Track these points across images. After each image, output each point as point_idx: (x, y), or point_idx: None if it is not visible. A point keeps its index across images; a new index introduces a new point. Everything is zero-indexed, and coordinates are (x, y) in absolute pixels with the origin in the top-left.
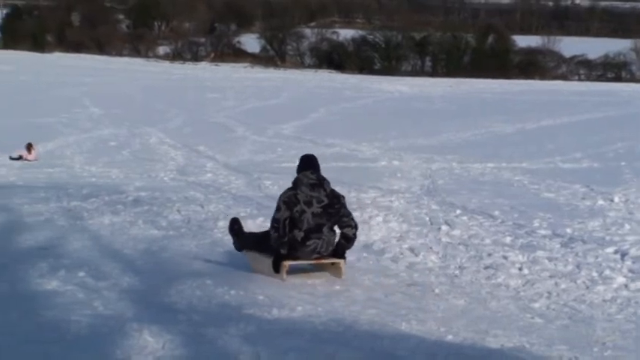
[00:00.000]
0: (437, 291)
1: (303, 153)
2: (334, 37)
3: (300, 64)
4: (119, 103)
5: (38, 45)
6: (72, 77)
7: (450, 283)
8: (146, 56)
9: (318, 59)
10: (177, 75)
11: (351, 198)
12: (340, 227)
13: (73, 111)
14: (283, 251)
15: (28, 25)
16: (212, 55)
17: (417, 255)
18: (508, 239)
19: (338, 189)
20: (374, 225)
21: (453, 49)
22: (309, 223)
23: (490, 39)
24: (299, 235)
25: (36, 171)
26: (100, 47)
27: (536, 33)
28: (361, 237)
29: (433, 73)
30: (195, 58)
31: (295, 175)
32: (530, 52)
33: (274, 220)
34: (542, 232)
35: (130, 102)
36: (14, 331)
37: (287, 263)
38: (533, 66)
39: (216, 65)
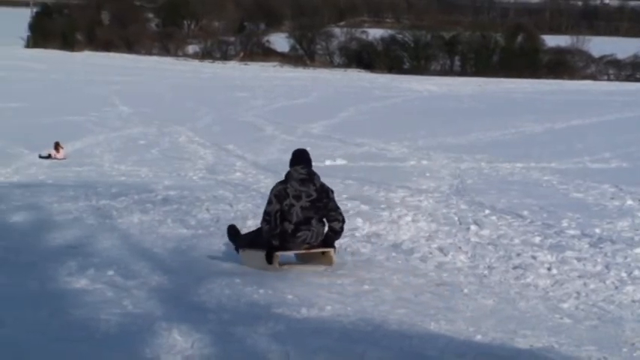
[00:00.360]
0: (466, 291)
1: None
2: (363, 36)
3: (330, 64)
4: (148, 102)
5: (68, 44)
6: (101, 76)
7: (479, 283)
8: (175, 55)
9: (347, 58)
10: (206, 74)
11: (379, 197)
12: (328, 221)
13: (102, 110)
14: (275, 242)
15: (57, 24)
16: (241, 54)
17: (445, 255)
18: (537, 239)
19: (366, 188)
20: (403, 224)
21: (482, 48)
22: (298, 216)
23: (519, 38)
24: (289, 227)
25: (65, 169)
26: (130, 46)
27: (565, 33)
28: (390, 236)
29: (462, 73)
30: (225, 57)
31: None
32: (559, 51)
33: (266, 213)
34: (571, 232)
35: (160, 101)
36: (44, 330)
37: (278, 254)
38: (562, 66)
39: (246, 64)
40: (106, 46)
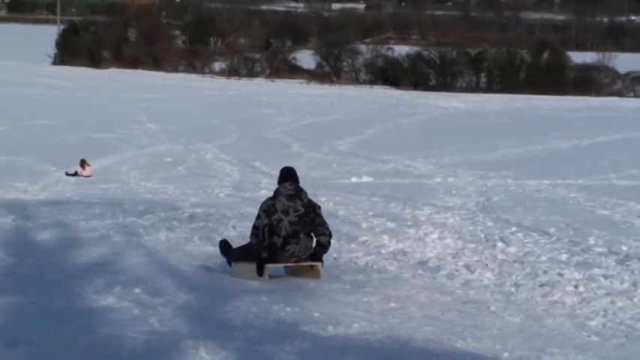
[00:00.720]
0: (492, 308)
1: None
2: (389, 53)
3: (355, 80)
4: (175, 119)
5: (95, 61)
6: (128, 93)
7: (506, 300)
8: (202, 72)
9: (373, 75)
10: (232, 91)
11: (406, 214)
12: (316, 235)
13: (129, 127)
14: (265, 255)
15: (84, 41)
16: (267, 71)
17: (472, 272)
18: (564, 257)
19: (392, 205)
20: (429, 242)
21: (508, 65)
22: (286, 230)
23: (545, 55)
24: (278, 241)
25: (92, 187)
26: (156, 63)
27: (591, 49)
28: (416, 254)
29: (488, 89)
30: (251, 74)
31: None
32: (585, 68)
33: (254, 227)
34: (598, 249)
35: (186, 118)
36: (70, 348)
37: (269, 266)
38: (588, 82)
39: (272, 81)
40: (133, 64)
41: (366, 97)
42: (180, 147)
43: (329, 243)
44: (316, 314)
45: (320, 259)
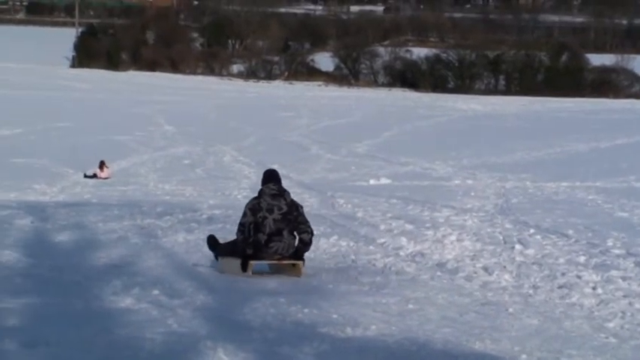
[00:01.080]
0: (511, 310)
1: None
2: (408, 55)
3: (374, 83)
4: (193, 121)
5: (113, 63)
6: (146, 95)
7: (524, 302)
8: (220, 75)
9: (391, 78)
10: (251, 93)
11: (424, 216)
12: (298, 233)
13: (147, 129)
14: (250, 251)
15: (103, 44)
16: (286, 73)
17: (490, 274)
18: (582, 259)
19: (411, 207)
20: (447, 244)
21: (526, 67)
22: (270, 228)
23: (564, 57)
24: (262, 238)
25: (110, 189)
26: (175, 66)
27: (610, 51)
28: (434, 256)
29: (507, 92)
30: (269, 76)
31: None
32: (604, 70)
33: (240, 225)
34: (616, 251)
35: (204, 120)
36: (89, 349)
37: (252, 263)
38: (607, 84)
39: (290, 84)
40: (151, 66)
41: (384, 99)
42: (199, 149)
43: (311, 241)
44: (334, 316)
45: (302, 258)
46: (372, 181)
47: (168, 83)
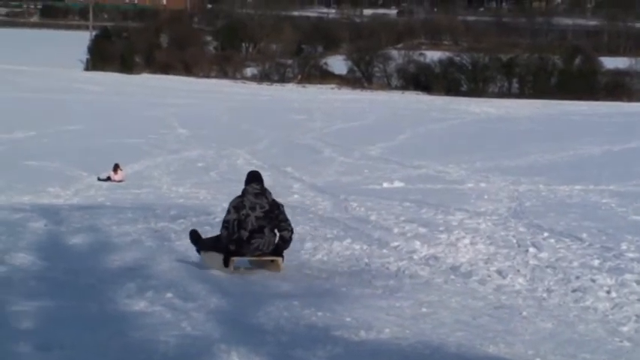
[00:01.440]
0: (524, 314)
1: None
2: (421, 58)
3: (387, 86)
4: (207, 125)
5: (127, 66)
6: (160, 98)
7: (538, 306)
8: (233, 78)
9: (404, 81)
10: (264, 96)
11: (437, 220)
12: (279, 230)
13: (160, 132)
14: (232, 248)
15: (116, 47)
16: (299, 76)
17: (504, 277)
18: (596, 262)
19: (424, 210)
20: (461, 247)
21: (540, 70)
22: (252, 225)
23: (577, 60)
24: (244, 234)
25: (124, 192)
26: (188, 69)
27: (623, 54)
28: (448, 259)
29: (520, 95)
30: (283, 79)
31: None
32: (617, 73)
33: (225, 222)
34: (630, 254)
35: (218, 123)
36: (103, 352)
37: (234, 259)
38: (620, 88)
39: (304, 87)
40: (165, 69)
41: (397, 102)
42: (212, 152)
43: (291, 238)
44: (348, 319)
45: (281, 254)
46: (385, 184)
47: (181, 86)
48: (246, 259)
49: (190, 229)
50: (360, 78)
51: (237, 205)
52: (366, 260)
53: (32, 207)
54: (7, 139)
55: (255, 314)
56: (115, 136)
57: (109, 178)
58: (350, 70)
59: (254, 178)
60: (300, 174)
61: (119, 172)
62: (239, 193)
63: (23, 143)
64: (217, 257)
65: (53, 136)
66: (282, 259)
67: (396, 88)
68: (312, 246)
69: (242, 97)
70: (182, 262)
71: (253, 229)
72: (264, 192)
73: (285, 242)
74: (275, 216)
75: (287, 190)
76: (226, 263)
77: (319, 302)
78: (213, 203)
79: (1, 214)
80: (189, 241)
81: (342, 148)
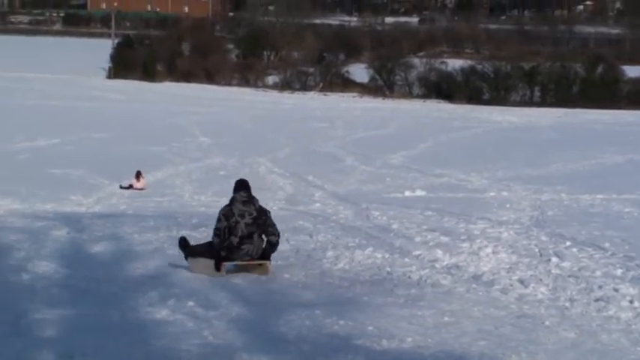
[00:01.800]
0: (547, 323)
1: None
2: (443, 67)
3: (409, 94)
4: (228, 133)
5: (149, 74)
6: (182, 106)
7: (560, 315)
8: (255, 86)
9: (426, 89)
10: (286, 104)
11: (459, 229)
12: (266, 235)
13: (182, 140)
14: (223, 253)
15: (139, 55)
16: (321, 84)
17: (526, 287)
18: (619, 272)
19: (446, 219)
20: (483, 256)
21: (561, 79)
22: (242, 231)
23: (599, 69)
24: (235, 240)
25: (146, 200)
26: (210, 77)
27: None
28: (470, 268)
29: (542, 103)
30: (304, 87)
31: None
32: (639, 81)
33: (216, 229)
34: None
35: (240, 131)
36: None
37: (225, 263)
38: None
39: (325, 95)
40: (187, 77)
41: (419, 110)
42: (234, 160)
43: (277, 242)
44: (370, 328)
45: (268, 258)
46: (407, 193)
47: (203, 94)
48: (233, 263)
49: (179, 236)
50: (382, 86)
51: (226, 213)
52: (388, 269)
53: (55, 215)
54: (30, 147)
55: (277, 323)
56: (138, 144)
57: (130, 186)
58: (371, 79)
59: (242, 186)
60: (322, 182)
61: (141, 179)
62: (260, 201)
63: (46, 151)
64: (205, 263)
65: (76, 143)
66: (270, 263)
67: (418, 96)
68: (333, 254)
69: (264, 105)
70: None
71: (243, 235)
72: (251, 199)
73: (273, 246)
74: (263, 222)
75: (308, 199)
76: (218, 268)
77: (341, 311)
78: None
79: (24, 222)
80: (179, 247)
81: (363, 156)
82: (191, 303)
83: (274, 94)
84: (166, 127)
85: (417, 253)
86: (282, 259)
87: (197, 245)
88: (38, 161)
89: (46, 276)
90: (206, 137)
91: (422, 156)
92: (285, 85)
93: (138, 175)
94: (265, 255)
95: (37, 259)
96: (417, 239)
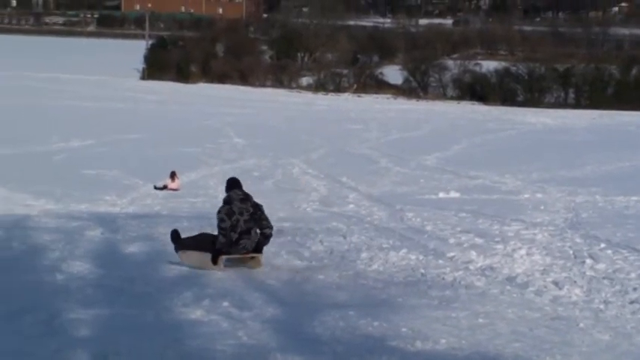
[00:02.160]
0: (581, 325)
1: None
2: (477, 68)
3: (443, 96)
4: (262, 134)
5: (183, 75)
6: (216, 107)
7: (595, 317)
8: (289, 87)
9: (460, 91)
10: (320, 106)
11: (494, 230)
12: (261, 228)
13: (216, 141)
14: (223, 249)
15: (173, 56)
16: (355, 86)
17: (561, 288)
18: None
19: (480, 221)
20: (517, 258)
21: (596, 80)
22: (241, 227)
23: (634, 71)
24: (234, 236)
25: (180, 200)
26: (244, 78)
27: None
28: (504, 270)
29: (576, 105)
30: (338, 88)
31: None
32: None
33: (223, 229)
34: None
35: (274, 132)
36: None
37: (223, 257)
38: None
39: (359, 96)
40: (221, 78)
41: (453, 112)
42: (267, 161)
43: (271, 235)
44: (404, 329)
45: (261, 251)
46: (441, 195)
47: (237, 95)
48: (232, 257)
49: (172, 229)
50: (416, 88)
51: (227, 212)
52: (422, 270)
53: (89, 215)
54: (64, 148)
55: (311, 324)
56: (172, 145)
57: (165, 187)
58: (405, 80)
59: (235, 184)
60: (356, 184)
61: (176, 179)
62: (294, 202)
63: (80, 152)
64: (197, 256)
65: (110, 144)
66: (262, 255)
67: (452, 98)
68: (367, 256)
69: (298, 106)
70: (238, 271)
71: (242, 230)
72: (247, 196)
73: (267, 238)
74: (258, 217)
75: (342, 200)
76: (215, 261)
77: (375, 312)
78: (268, 212)
79: (58, 222)
80: (170, 240)
81: (398, 158)
82: (225, 303)
83: (308, 96)
84: (200, 128)
85: (451, 254)
86: (316, 260)
87: (188, 238)
88: (72, 162)
89: (80, 276)
90: (240, 138)
91: (456, 157)
92: (319, 87)
93: (172, 175)
94: (259, 247)
95: (72, 259)
96: (451, 241)
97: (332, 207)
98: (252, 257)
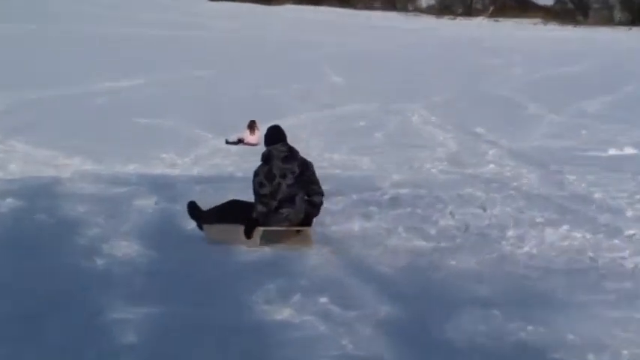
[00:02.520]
0: None
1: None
2: None
3: (609, 21)
4: (369, 71)
5: None
6: (307, 36)
7: None
8: (404, 10)
9: (630, 13)
10: (445, 34)
11: None
12: (308, 195)
13: (308, 80)
14: (261, 221)
15: None
16: (491, 8)
17: None
18: None
19: None
20: None
21: None
22: (283, 193)
23: None
24: (273, 204)
25: (258, 159)
26: None
27: None
28: None
29: None
30: (469, 12)
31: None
32: None
33: (262, 196)
34: None
35: (384, 69)
36: None
37: (260, 229)
38: None
39: (496, 21)
40: None
41: (622, 42)
42: (376, 107)
43: (322, 202)
44: (570, 336)
45: (310, 224)
46: (611, 151)
47: (336, 20)
48: (272, 229)
49: (188, 200)
50: (572, 10)
51: (266, 175)
52: (591, 254)
53: (139, 179)
54: (109, 89)
55: (441, 327)
56: (249, 85)
57: (240, 141)
58: (558, 1)
59: (278, 136)
60: (496, 137)
61: (256, 131)
62: (414, 161)
63: (129, 94)
64: (226, 230)
65: (170, 84)
66: (311, 229)
67: (621, 23)
68: (515, 234)
69: (415, 34)
70: (340, 256)
71: (283, 197)
72: (293, 153)
73: (315, 207)
74: (307, 178)
75: (479, 158)
76: (249, 235)
77: (528, 312)
78: (379, 175)
79: (98, 188)
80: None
81: (550, 102)
82: (323, 299)
83: (430, 21)
84: (287, 64)
85: (630, 232)
86: (445, 239)
87: (211, 209)
88: (119, 108)
89: (126, 261)
90: (339, 77)
91: (629, 102)
92: (443, 9)
93: (251, 125)
94: (307, 220)
95: (116, 238)
96: (629, 213)
97: (465, 168)
98: (298, 231)
